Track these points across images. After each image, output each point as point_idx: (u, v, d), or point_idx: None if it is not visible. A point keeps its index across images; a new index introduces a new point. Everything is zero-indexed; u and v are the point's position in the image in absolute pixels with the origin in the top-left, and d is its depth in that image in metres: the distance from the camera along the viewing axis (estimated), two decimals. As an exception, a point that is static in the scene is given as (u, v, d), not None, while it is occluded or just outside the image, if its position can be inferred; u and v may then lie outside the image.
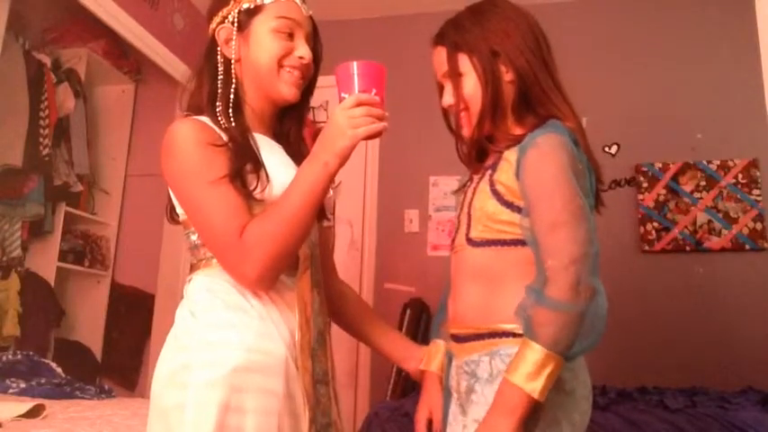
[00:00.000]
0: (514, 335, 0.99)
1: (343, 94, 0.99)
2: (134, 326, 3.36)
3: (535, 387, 0.91)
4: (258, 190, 1.01)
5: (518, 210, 1.03)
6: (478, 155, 1.17)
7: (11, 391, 2.07)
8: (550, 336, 0.92)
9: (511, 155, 1.06)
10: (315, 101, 1.25)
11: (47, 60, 3.17)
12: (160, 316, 3.19)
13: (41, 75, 3.11)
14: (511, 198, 1.04)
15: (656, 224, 3.01)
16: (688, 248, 2.97)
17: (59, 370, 2.48)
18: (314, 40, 1.17)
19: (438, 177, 3.26)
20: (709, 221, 2.96)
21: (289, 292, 1.04)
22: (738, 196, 2.95)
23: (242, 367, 0.96)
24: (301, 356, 1.01)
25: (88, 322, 3.38)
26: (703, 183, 3.00)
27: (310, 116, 1.19)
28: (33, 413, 1.64)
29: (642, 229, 3.02)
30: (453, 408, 1.10)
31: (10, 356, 2.44)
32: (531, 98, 1.11)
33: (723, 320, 2.85)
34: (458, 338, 1.10)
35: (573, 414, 1.01)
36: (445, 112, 1.19)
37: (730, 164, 2.98)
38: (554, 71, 1.14)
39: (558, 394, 0.97)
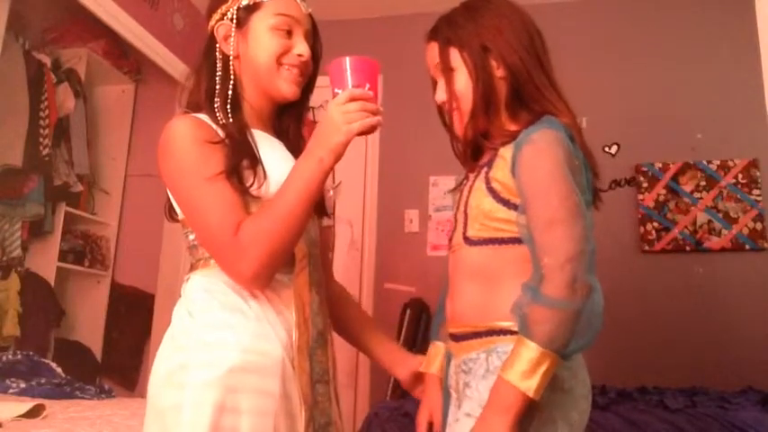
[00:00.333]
0: (512, 332, 0.98)
1: (336, 90, 0.99)
2: (134, 326, 3.36)
3: (530, 385, 0.90)
4: (255, 186, 1.01)
5: (514, 207, 1.03)
6: (474, 152, 1.16)
7: (11, 391, 2.07)
8: (546, 333, 0.91)
9: (506, 151, 1.05)
10: (314, 101, 1.24)
11: (47, 60, 3.17)
12: (160, 316, 3.19)
13: (41, 75, 3.11)
14: (507, 195, 1.04)
15: (656, 224, 3.01)
16: (688, 248, 2.97)
17: (59, 370, 2.47)
18: (313, 37, 1.16)
19: (438, 177, 3.27)
20: (709, 221, 2.96)
21: (286, 292, 1.04)
22: (738, 196, 2.95)
23: (238, 368, 0.96)
24: (298, 357, 1.01)
25: (88, 322, 3.38)
26: (703, 183, 3.00)
27: (310, 116, 1.18)
28: (33, 413, 1.63)
29: (642, 229, 3.02)
30: (453, 408, 1.09)
31: (10, 356, 2.44)
32: (524, 94, 1.10)
33: (723, 320, 2.85)
34: (456, 337, 1.10)
35: (570, 413, 1.00)
36: (440, 108, 1.18)
37: (730, 164, 2.98)
38: (549, 69, 1.12)
39: (555, 393, 0.96)
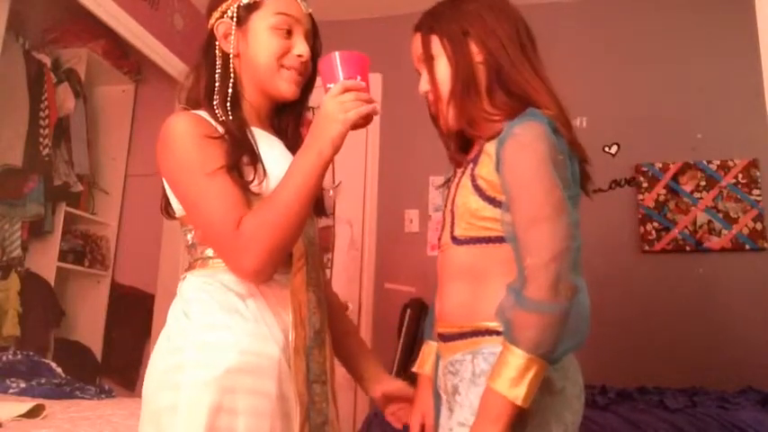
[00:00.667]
0: (497, 333, 0.96)
1: (328, 86, 1.00)
2: (134, 326, 3.36)
3: (518, 394, 0.88)
4: (255, 183, 1.01)
5: (501, 205, 1.00)
6: (462, 146, 1.14)
7: (11, 391, 2.07)
8: (532, 339, 0.89)
9: (490, 147, 1.03)
10: (314, 100, 1.24)
11: (47, 60, 3.17)
12: (160, 316, 3.19)
13: (41, 75, 3.11)
14: (493, 193, 1.01)
15: (656, 224, 3.01)
16: (688, 248, 2.97)
17: (59, 370, 2.47)
18: (313, 37, 1.16)
19: (438, 177, 3.26)
20: (710, 221, 2.96)
21: (283, 291, 1.03)
22: (738, 196, 2.94)
23: (235, 368, 0.96)
24: (294, 357, 1.01)
25: (88, 322, 3.39)
26: (703, 183, 3.00)
27: (309, 115, 1.19)
28: (33, 413, 1.63)
29: (642, 229, 3.02)
30: (444, 411, 1.08)
31: (10, 356, 2.44)
32: (506, 80, 1.06)
33: (723, 320, 2.84)
34: (444, 337, 1.08)
35: (563, 414, 0.98)
36: (428, 103, 1.16)
37: (730, 164, 2.98)
38: (535, 60, 1.09)
39: (546, 395, 0.94)
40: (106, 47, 3.46)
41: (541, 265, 0.91)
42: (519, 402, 0.88)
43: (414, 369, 1.21)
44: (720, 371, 2.72)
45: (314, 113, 1.03)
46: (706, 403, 2.22)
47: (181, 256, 3.12)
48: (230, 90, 1.09)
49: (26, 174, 3.00)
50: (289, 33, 1.11)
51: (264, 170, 1.03)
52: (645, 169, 3.07)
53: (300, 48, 1.11)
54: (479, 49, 1.07)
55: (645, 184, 3.05)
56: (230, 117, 1.06)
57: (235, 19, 1.10)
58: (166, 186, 1.09)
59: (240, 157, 1.01)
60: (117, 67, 3.58)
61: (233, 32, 1.10)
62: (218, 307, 1.01)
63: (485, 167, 1.03)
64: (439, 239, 1.15)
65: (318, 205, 1.17)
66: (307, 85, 1.17)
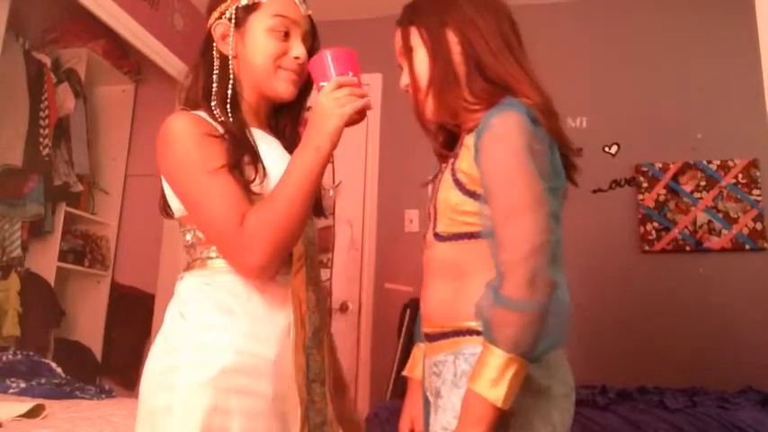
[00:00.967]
0: (478, 332, 0.94)
1: (321, 84, 1.02)
2: (134, 326, 3.36)
3: (498, 395, 0.85)
4: (257, 182, 1.01)
5: (481, 199, 0.97)
6: (450, 141, 1.11)
7: (11, 391, 2.07)
8: (510, 338, 0.86)
9: (469, 140, 1.00)
10: (312, 101, 1.24)
11: (47, 60, 3.17)
12: (160, 316, 3.15)
13: (41, 75, 3.11)
14: (473, 187, 0.98)
15: (656, 224, 3.01)
16: (688, 248, 2.97)
17: (59, 370, 2.47)
18: (312, 38, 1.16)
19: (438, 177, 3.26)
20: (710, 221, 2.96)
21: (282, 291, 1.04)
22: (738, 196, 2.94)
23: (230, 369, 0.96)
24: (295, 355, 1.01)
25: (88, 322, 3.38)
26: (703, 183, 3.00)
27: (307, 116, 1.19)
28: (33, 413, 1.63)
29: (642, 229, 3.02)
30: (432, 414, 1.05)
31: (10, 356, 2.44)
32: (485, 69, 1.03)
33: (723, 320, 2.84)
34: (429, 337, 1.07)
35: (550, 413, 0.95)
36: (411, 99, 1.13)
37: (730, 164, 2.98)
38: (517, 51, 1.06)
39: (530, 395, 0.92)
40: (106, 47, 3.45)
41: (517, 260, 0.88)
42: (499, 404, 0.86)
43: (404, 373, 1.19)
44: (720, 371, 2.72)
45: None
46: (706, 403, 2.22)
47: (181, 256, 3.12)
48: (229, 91, 1.09)
49: (26, 174, 3.00)
50: (286, 35, 1.11)
51: (265, 170, 1.03)
52: (645, 169, 3.07)
53: (297, 50, 1.11)
54: (458, 39, 1.05)
55: (645, 184, 3.05)
56: (230, 118, 1.07)
57: (233, 20, 1.10)
58: (165, 186, 1.09)
59: (241, 156, 1.02)
60: (117, 67, 3.58)
61: (231, 34, 1.10)
62: (215, 308, 1.01)
63: (464, 161, 1.00)
64: (425, 237, 1.12)
65: (317, 206, 1.17)
66: (304, 86, 1.17)
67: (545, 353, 0.91)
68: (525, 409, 0.92)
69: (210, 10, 1.14)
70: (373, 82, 3.25)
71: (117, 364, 3.35)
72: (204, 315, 1.01)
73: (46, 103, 3.08)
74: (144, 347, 3.31)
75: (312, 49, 1.15)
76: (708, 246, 2.94)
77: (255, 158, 1.03)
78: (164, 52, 3.10)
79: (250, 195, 1.01)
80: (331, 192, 3.25)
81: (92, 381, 2.89)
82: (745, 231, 2.91)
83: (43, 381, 2.20)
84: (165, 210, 1.14)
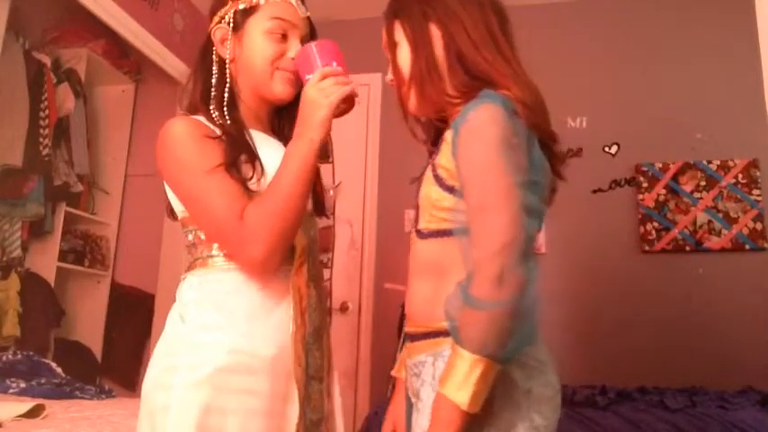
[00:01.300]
0: None
1: (307, 77, 1.03)
2: (134, 326, 3.36)
3: (464, 398, 0.83)
4: (254, 180, 1.02)
5: (460, 194, 0.94)
6: (437, 137, 1.09)
7: (11, 391, 2.07)
8: (476, 339, 0.84)
9: (448, 134, 0.97)
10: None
11: (47, 60, 3.17)
12: (160, 316, 3.19)
13: (41, 75, 3.11)
14: (452, 182, 0.95)
15: (656, 224, 3.01)
16: (688, 248, 2.97)
17: (59, 370, 2.47)
18: (311, 40, 1.17)
19: (438, 177, 3.26)
20: (709, 221, 2.96)
21: (283, 287, 1.04)
22: (738, 196, 2.94)
23: (226, 368, 0.97)
24: (294, 348, 1.02)
25: (88, 322, 3.38)
26: (703, 183, 3.00)
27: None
28: (33, 413, 1.63)
29: (642, 229, 3.02)
30: (414, 415, 1.03)
31: (10, 356, 2.44)
32: (468, 62, 1.01)
33: (723, 320, 2.85)
34: (411, 337, 1.05)
35: (531, 416, 0.91)
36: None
37: (730, 164, 2.98)
38: (502, 44, 1.03)
39: (507, 398, 0.89)
40: (106, 47, 3.45)
41: (485, 258, 0.85)
42: (465, 408, 0.83)
43: (392, 373, 1.19)
44: (720, 371, 2.72)
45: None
46: (706, 403, 2.22)
47: (181, 256, 3.12)
48: (226, 94, 1.10)
49: (26, 174, 3.00)
50: (284, 37, 1.12)
51: (262, 167, 1.04)
52: (645, 169, 3.07)
53: (294, 51, 1.12)
54: (441, 33, 1.03)
55: (645, 184, 3.05)
56: (227, 120, 1.08)
57: (231, 24, 1.11)
58: (168, 189, 1.10)
59: (238, 155, 1.03)
60: (117, 66, 3.58)
61: (229, 38, 1.11)
62: (213, 308, 1.02)
63: (444, 156, 0.97)
64: (411, 234, 1.10)
65: (319, 206, 1.18)
66: (303, 86, 1.18)
67: (515, 353, 0.88)
68: (500, 412, 0.90)
69: (212, 14, 1.16)
70: (373, 82, 3.25)
71: (117, 365, 3.35)
72: (202, 316, 1.02)
73: (46, 103, 3.07)
74: (144, 348, 3.32)
75: None
76: (708, 246, 2.94)
77: (252, 157, 1.04)
78: (163, 52, 3.10)
79: (248, 192, 1.02)
80: (331, 192, 3.25)
81: (92, 381, 2.89)
82: (745, 231, 2.91)
83: (43, 381, 2.20)
84: (172, 213, 1.15)
